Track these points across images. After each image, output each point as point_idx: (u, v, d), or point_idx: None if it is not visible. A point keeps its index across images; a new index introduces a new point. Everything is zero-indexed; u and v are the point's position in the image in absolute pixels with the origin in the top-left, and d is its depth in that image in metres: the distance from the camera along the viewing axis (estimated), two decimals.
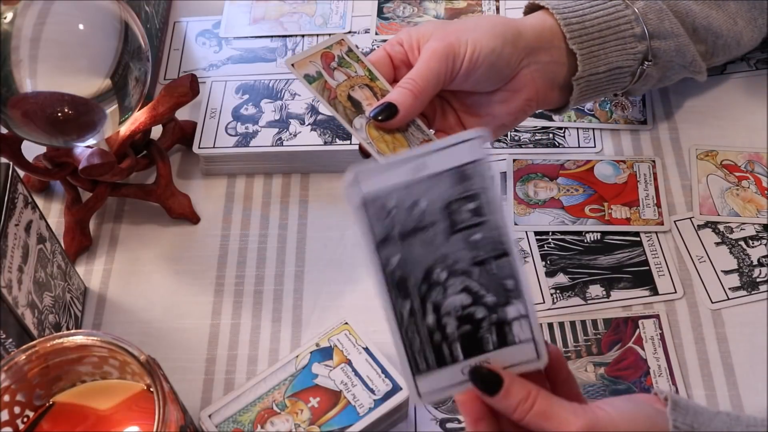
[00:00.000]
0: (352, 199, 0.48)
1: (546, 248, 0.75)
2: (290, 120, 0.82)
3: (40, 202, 0.80)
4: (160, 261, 0.77)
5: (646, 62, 0.72)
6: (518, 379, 0.51)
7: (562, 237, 0.76)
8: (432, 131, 0.68)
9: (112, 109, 0.69)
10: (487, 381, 0.51)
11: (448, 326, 0.51)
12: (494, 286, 0.50)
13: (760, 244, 0.74)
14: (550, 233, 0.76)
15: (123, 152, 0.76)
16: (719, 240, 0.75)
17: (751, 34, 0.77)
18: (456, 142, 0.48)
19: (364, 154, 0.65)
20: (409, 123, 0.66)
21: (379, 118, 0.63)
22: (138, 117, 0.75)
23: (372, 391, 0.63)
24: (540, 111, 0.77)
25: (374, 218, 0.48)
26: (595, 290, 0.72)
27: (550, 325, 0.70)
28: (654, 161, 0.80)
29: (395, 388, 0.63)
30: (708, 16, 0.73)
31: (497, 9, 0.93)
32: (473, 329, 0.51)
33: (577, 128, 0.83)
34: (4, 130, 0.71)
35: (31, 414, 0.61)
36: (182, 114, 0.85)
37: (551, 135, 0.83)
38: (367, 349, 0.65)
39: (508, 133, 0.83)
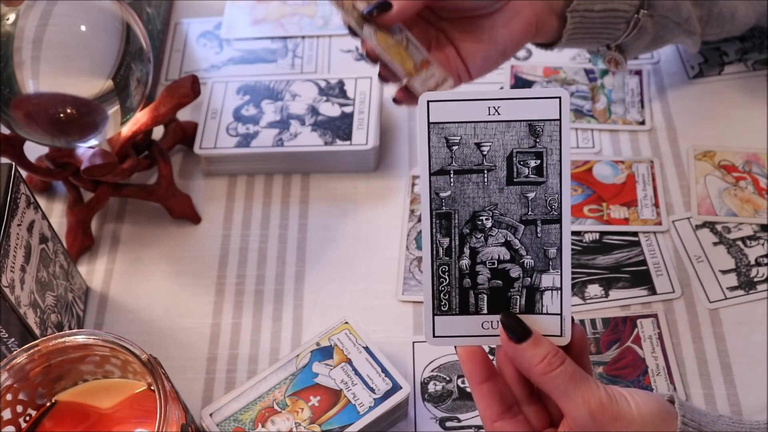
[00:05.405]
0: (421, 120, 0.48)
1: None
2: (291, 120, 0.82)
3: (42, 202, 0.80)
4: (161, 261, 0.78)
5: (642, 11, 0.72)
6: (545, 338, 0.51)
7: None
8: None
9: (113, 109, 0.69)
10: (519, 326, 0.50)
11: (480, 275, 0.50)
12: (536, 249, 0.50)
13: (758, 243, 0.74)
14: None
15: (124, 153, 0.76)
16: (717, 240, 0.75)
17: (745, 11, 0.77)
18: (536, 96, 0.48)
19: (383, 77, 0.68)
20: (408, 42, 0.66)
21: (374, 13, 0.64)
22: (139, 118, 0.75)
23: (372, 390, 0.63)
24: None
25: (436, 146, 0.49)
26: (594, 290, 0.73)
27: None
28: (652, 162, 0.81)
29: (395, 387, 0.63)
30: None
31: None
32: (504, 287, 0.51)
33: (576, 129, 0.84)
34: (7, 131, 0.71)
35: (33, 413, 0.61)
36: (183, 115, 0.85)
37: None
38: (367, 349, 0.65)
39: None
